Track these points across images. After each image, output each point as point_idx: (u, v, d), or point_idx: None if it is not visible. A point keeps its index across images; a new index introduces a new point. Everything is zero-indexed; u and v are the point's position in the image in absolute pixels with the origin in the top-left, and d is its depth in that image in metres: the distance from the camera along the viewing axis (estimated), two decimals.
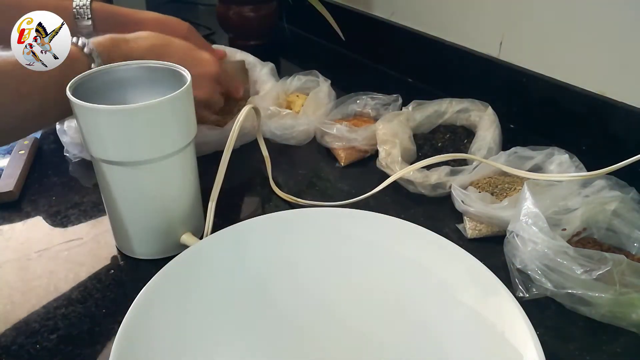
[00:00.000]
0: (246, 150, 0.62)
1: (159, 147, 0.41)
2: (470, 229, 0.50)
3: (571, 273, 0.40)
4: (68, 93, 0.39)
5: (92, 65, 0.44)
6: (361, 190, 0.54)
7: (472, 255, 0.41)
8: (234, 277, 0.42)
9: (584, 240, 0.46)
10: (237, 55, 0.74)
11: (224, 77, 0.60)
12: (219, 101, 0.61)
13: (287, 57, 0.98)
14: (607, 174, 0.46)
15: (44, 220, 0.52)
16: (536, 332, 0.34)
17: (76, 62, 0.43)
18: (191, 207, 0.46)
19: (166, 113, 0.40)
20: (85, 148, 0.42)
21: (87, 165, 0.60)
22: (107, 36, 0.47)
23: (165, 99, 0.40)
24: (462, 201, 0.50)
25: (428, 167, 0.54)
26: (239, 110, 0.50)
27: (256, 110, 0.53)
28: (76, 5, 0.56)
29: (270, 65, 0.74)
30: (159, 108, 0.39)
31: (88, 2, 0.57)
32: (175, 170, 0.43)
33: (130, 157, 0.40)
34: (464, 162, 0.57)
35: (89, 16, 0.57)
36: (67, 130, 0.59)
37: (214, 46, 0.73)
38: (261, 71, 0.72)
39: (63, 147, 0.61)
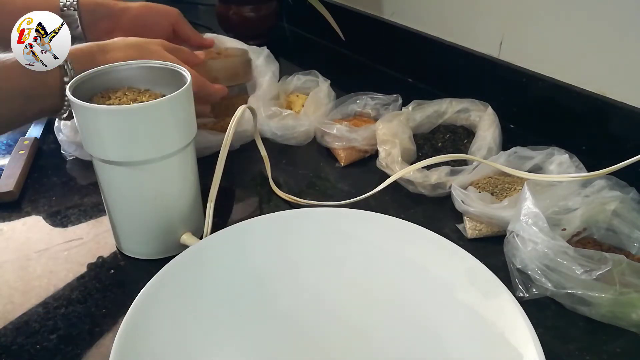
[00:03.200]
0: (247, 149, 0.62)
1: (159, 147, 0.41)
2: (470, 229, 0.50)
3: (571, 273, 0.40)
4: (68, 93, 0.39)
5: (65, 78, 0.43)
6: (361, 190, 0.54)
7: (472, 255, 0.41)
8: (234, 277, 0.42)
9: (584, 240, 0.46)
10: (228, 43, 0.72)
11: (202, 89, 0.54)
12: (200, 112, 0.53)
13: (287, 57, 0.98)
14: (607, 174, 0.45)
15: (44, 220, 0.52)
16: (536, 332, 0.34)
17: (48, 73, 0.42)
18: (191, 207, 0.46)
19: (166, 113, 0.40)
20: (85, 148, 0.42)
21: (83, 164, 0.60)
22: (83, 46, 0.45)
23: (165, 99, 0.40)
24: (462, 201, 0.50)
25: (428, 167, 0.54)
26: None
27: (252, 110, 0.53)
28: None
29: (265, 51, 0.73)
30: (159, 108, 0.39)
31: None
32: (175, 170, 0.43)
33: (130, 157, 0.40)
34: (464, 162, 0.57)
35: (75, 8, 0.56)
36: (62, 129, 0.59)
37: (207, 35, 0.72)
38: (257, 60, 0.72)
39: None
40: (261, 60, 0.72)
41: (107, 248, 0.48)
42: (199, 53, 0.61)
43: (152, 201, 0.43)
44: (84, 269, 0.46)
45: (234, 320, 0.39)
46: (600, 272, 0.39)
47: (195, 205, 0.47)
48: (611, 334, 0.40)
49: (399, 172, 0.54)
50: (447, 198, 0.54)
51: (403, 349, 0.38)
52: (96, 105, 0.38)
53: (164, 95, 0.42)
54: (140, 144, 0.40)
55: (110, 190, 0.43)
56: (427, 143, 0.63)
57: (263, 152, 0.57)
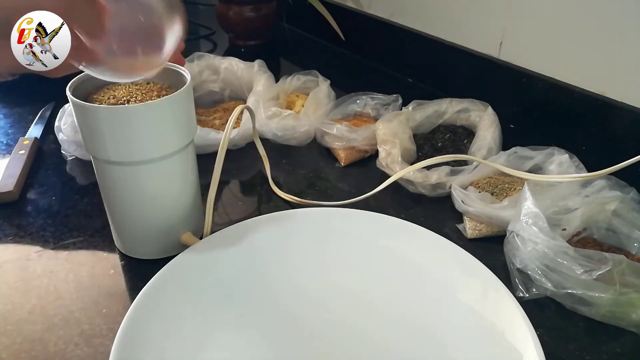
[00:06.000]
0: (248, 149, 0.63)
1: (159, 147, 0.41)
2: (470, 229, 0.50)
3: (571, 273, 0.40)
4: (68, 93, 0.39)
5: None
6: (361, 190, 0.54)
7: (472, 255, 0.41)
8: (234, 277, 0.42)
9: (584, 240, 0.46)
10: None
11: None
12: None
13: (287, 57, 0.98)
14: (608, 174, 0.45)
15: (44, 220, 0.52)
16: (536, 332, 0.34)
17: None
18: (191, 207, 0.46)
19: (166, 113, 0.40)
20: (85, 148, 0.42)
21: (83, 164, 0.60)
22: None
23: (165, 98, 0.40)
24: (462, 201, 0.50)
25: (428, 167, 0.54)
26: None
27: (250, 110, 0.52)
28: None
29: (257, 62, 0.73)
30: (159, 108, 0.39)
31: None
32: (175, 170, 0.43)
33: (131, 157, 0.40)
34: (464, 162, 0.57)
35: None
36: (62, 128, 0.59)
37: None
38: (252, 71, 0.71)
39: None
40: (255, 67, 0.72)
41: (107, 248, 0.48)
42: None
43: (152, 201, 0.43)
44: (84, 269, 0.46)
45: (233, 320, 0.39)
46: (600, 272, 0.39)
47: (195, 205, 0.47)
48: (611, 334, 0.40)
49: (399, 172, 0.54)
50: (447, 198, 0.54)
51: (403, 348, 0.38)
52: (96, 105, 0.38)
53: (168, 87, 0.42)
54: (140, 143, 0.40)
55: (110, 190, 0.43)
56: (427, 143, 0.63)
57: (262, 152, 0.57)
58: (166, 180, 0.43)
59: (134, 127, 0.39)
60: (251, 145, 0.62)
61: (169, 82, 0.44)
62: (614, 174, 0.45)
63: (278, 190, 0.56)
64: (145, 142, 0.40)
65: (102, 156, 0.41)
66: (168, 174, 0.43)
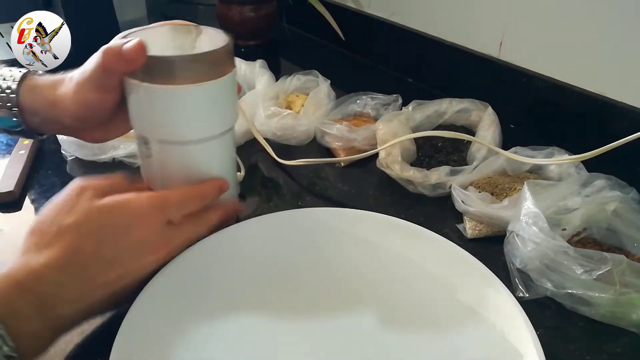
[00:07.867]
0: (248, 148, 0.63)
1: (215, 125, 0.42)
2: (470, 229, 0.50)
3: (571, 273, 0.40)
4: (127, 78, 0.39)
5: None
6: (361, 190, 0.54)
7: (472, 255, 0.41)
8: (233, 278, 0.42)
9: (584, 240, 0.46)
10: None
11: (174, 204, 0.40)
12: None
13: (287, 57, 0.98)
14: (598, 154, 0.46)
15: None
16: (536, 332, 0.34)
17: None
18: (232, 183, 0.47)
19: (227, 90, 0.42)
20: (136, 127, 0.42)
21: (83, 164, 0.60)
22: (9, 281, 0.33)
23: (218, 80, 0.40)
24: (462, 201, 0.50)
25: (428, 168, 0.54)
26: None
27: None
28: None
29: (259, 61, 0.73)
30: (212, 89, 0.40)
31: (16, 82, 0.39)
32: (222, 149, 0.45)
33: (184, 137, 0.41)
34: (464, 162, 0.57)
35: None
36: None
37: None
38: (253, 70, 0.72)
39: None
40: (257, 68, 0.72)
41: None
42: None
43: (198, 179, 0.44)
44: None
45: (233, 320, 0.39)
46: (600, 272, 0.39)
47: (233, 181, 0.48)
48: (611, 334, 0.40)
49: (375, 149, 0.54)
50: (447, 198, 0.54)
51: (402, 348, 0.38)
52: (180, 86, 0.39)
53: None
54: (193, 123, 0.41)
55: (163, 170, 0.44)
56: (427, 143, 0.63)
57: (260, 139, 0.57)
58: (213, 158, 0.44)
59: (189, 106, 0.40)
60: (251, 143, 0.62)
61: None
62: (613, 173, 0.46)
63: (281, 160, 0.57)
64: (198, 121, 0.41)
65: (156, 136, 0.42)
66: (216, 154, 0.44)
